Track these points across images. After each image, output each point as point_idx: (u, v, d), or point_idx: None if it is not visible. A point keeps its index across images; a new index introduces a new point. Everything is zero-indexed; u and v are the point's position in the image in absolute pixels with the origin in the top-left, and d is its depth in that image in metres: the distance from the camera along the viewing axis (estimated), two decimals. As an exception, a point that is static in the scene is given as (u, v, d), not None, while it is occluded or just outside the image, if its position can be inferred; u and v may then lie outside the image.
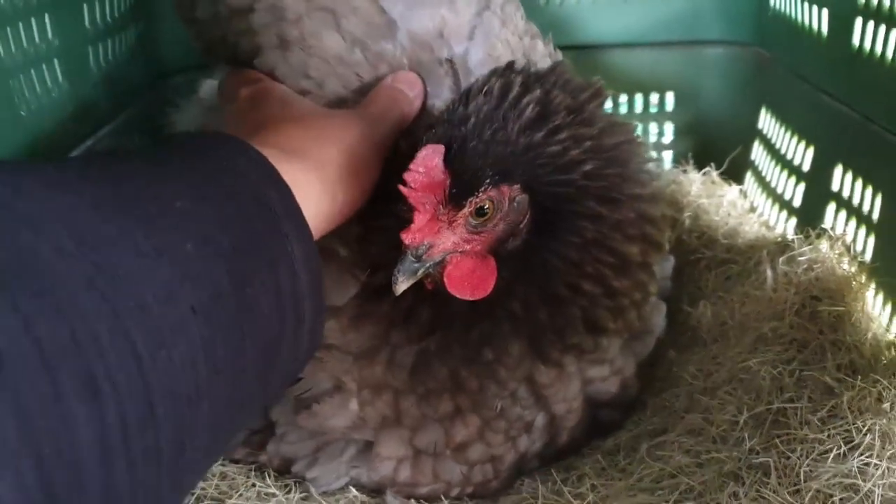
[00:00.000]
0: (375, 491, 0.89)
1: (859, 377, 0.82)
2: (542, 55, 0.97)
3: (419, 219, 0.72)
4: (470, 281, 0.76)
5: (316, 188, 0.69)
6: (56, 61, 0.98)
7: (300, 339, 0.64)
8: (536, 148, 0.73)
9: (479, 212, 0.73)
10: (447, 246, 0.74)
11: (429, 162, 0.70)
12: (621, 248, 0.78)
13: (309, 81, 0.88)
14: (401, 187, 0.70)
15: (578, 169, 0.74)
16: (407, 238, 0.72)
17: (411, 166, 0.70)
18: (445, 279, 0.75)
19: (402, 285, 0.73)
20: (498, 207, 0.73)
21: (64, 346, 0.43)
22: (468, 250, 0.75)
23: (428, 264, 0.74)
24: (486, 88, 0.74)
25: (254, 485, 0.84)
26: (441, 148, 0.70)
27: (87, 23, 1.08)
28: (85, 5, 1.07)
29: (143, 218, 0.52)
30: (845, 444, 0.75)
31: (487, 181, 0.71)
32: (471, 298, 0.76)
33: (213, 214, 0.57)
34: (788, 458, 0.77)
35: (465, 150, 0.70)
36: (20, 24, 0.89)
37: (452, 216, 0.73)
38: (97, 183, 0.52)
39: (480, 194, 0.71)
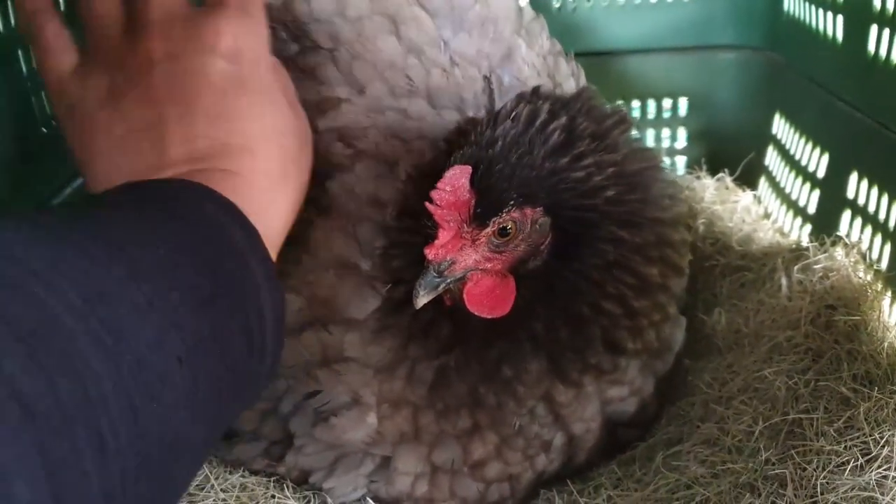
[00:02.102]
0: None
1: (876, 388, 0.82)
2: (566, 74, 1.02)
3: (443, 235, 0.75)
4: (489, 299, 0.78)
5: (263, 203, 0.71)
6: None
7: (264, 371, 0.67)
8: (561, 173, 0.75)
9: (502, 232, 0.75)
10: (469, 263, 0.77)
11: (456, 181, 0.73)
12: (642, 270, 0.80)
13: (346, 89, 0.90)
14: (427, 204, 0.73)
15: (601, 195, 0.76)
16: (430, 253, 0.75)
17: (439, 185, 0.73)
18: (465, 296, 0.78)
19: (422, 299, 0.75)
20: (521, 229, 0.76)
21: (79, 404, 0.45)
22: (489, 269, 0.77)
23: (449, 280, 0.76)
24: (514, 114, 0.77)
25: (273, 496, 0.85)
26: (468, 169, 0.74)
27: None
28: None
29: (133, 268, 0.53)
30: (862, 455, 0.75)
31: (511, 202, 0.74)
32: (489, 316, 0.78)
33: (192, 261, 0.59)
34: (804, 469, 0.77)
35: (492, 171, 0.73)
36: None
37: (475, 234, 0.75)
38: (88, 235, 0.54)
39: (504, 215, 0.74)
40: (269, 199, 0.73)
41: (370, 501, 0.87)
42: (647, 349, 0.86)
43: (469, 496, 0.88)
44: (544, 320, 0.79)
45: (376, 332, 0.83)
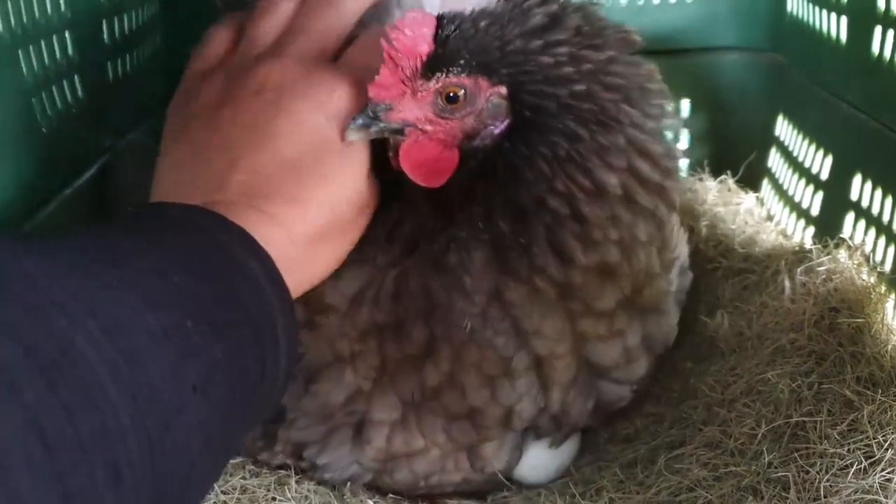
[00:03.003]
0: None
1: (880, 391, 0.81)
2: None
3: (386, 76, 0.73)
4: (428, 166, 0.76)
5: (295, 258, 0.71)
6: (76, 76, 0.99)
7: (275, 395, 0.68)
8: (528, 54, 0.72)
9: (450, 98, 0.73)
10: (408, 116, 0.74)
11: (416, 27, 0.71)
12: (598, 175, 0.73)
13: None
14: (381, 39, 0.71)
15: (567, 87, 0.72)
16: (371, 91, 0.73)
17: (398, 23, 0.71)
18: (401, 154, 0.76)
19: (351, 134, 0.74)
20: (470, 100, 0.73)
21: (97, 436, 0.46)
22: (430, 132, 0.75)
23: (383, 125, 0.74)
24: None
25: (274, 499, 0.85)
26: (433, 19, 0.71)
27: (105, 38, 1.09)
28: (104, 21, 1.08)
29: (149, 297, 0.54)
30: (866, 458, 0.75)
31: (462, 62, 0.71)
32: (423, 184, 0.76)
33: (207, 290, 0.59)
34: (808, 472, 0.77)
35: (455, 29, 0.71)
36: (42, 43, 0.90)
37: (419, 87, 0.73)
38: (105, 263, 0.54)
39: (451, 76, 0.72)
40: (302, 257, 0.72)
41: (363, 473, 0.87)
42: (606, 269, 0.78)
43: (437, 439, 0.85)
44: (483, 204, 0.75)
45: (351, 262, 0.81)
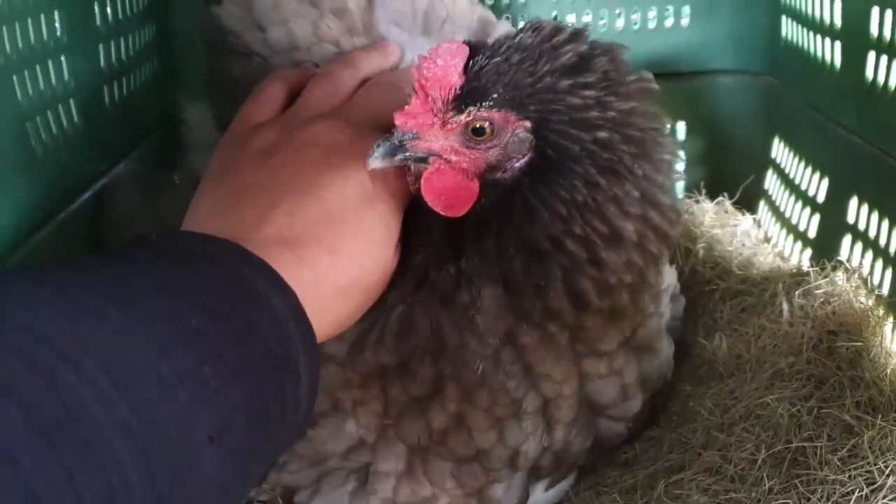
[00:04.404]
0: None
1: (879, 415, 0.81)
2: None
3: (416, 105, 0.72)
4: (448, 195, 0.75)
5: (319, 306, 0.69)
6: (71, 101, 0.99)
7: (295, 433, 0.66)
8: (558, 92, 0.71)
9: (477, 130, 0.72)
10: (434, 146, 0.74)
11: (449, 57, 0.70)
12: (616, 222, 0.74)
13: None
14: (413, 68, 0.71)
15: (592, 132, 0.72)
16: (398, 119, 0.72)
17: (430, 53, 0.71)
18: (423, 182, 0.75)
19: (374, 161, 0.73)
20: (497, 134, 0.72)
21: (101, 499, 0.44)
22: (454, 162, 0.74)
23: (409, 154, 0.73)
24: (537, 26, 0.74)
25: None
26: (466, 49, 0.71)
27: (101, 63, 1.09)
28: (101, 45, 1.09)
29: (164, 343, 0.52)
30: (867, 485, 0.74)
31: (495, 97, 0.71)
32: (443, 213, 0.75)
33: (225, 331, 0.57)
34: (809, 499, 0.75)
35: (488, 62, 0.70)
36: (37, 67, 0.90)
37: (448, 118, 0.72)
38: (116, 303, 0.52)
39: (483, 109, 0.71)
40: (325, 307, 0.70)
41: None
42: (618, 312, 0.79)
43: (445, 484, 0.84)
44: (497, 238, 0.75)
45: None
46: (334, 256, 0.71)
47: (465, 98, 0.71)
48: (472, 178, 0.75)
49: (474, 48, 0.72)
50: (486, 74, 0.70)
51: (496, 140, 0.73)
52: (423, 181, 0.75)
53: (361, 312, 0.77)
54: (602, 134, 0.72)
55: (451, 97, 0.71)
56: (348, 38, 1.00)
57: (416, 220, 0.79)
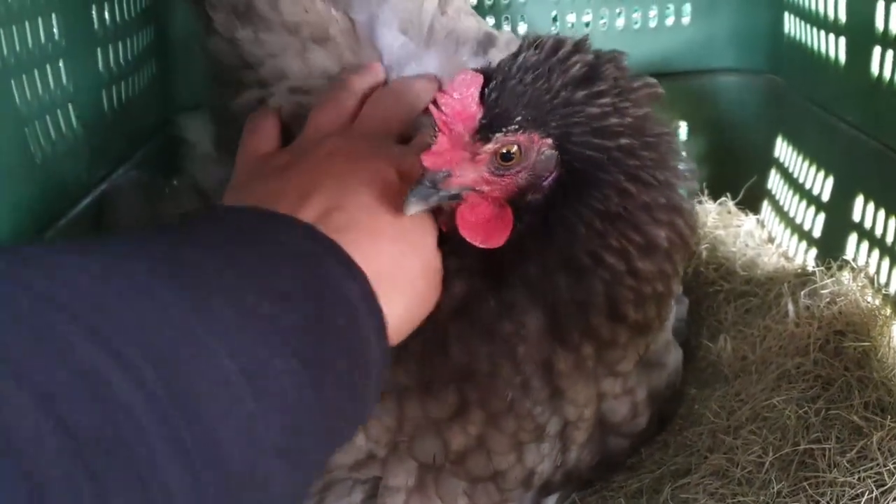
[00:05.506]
0: None
1: (888, 416, 0.80)
2: None
3: (443, 143, 0.71)
4: (485, 227, 0.74)
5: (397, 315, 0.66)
6: (70, 106, 0.99)
7: (355, 429, 0.62)
8: (576, 105, 0.71)
9: (505, 156, 0.71)
10: (466, 181, 0.73)
11: (464, 89, 0.69)
12: (649, 230, 0.74)
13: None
14: (431, 106, 0.70)
15: (615, 139, 0.71)
16: (427, 160, 0.71)
17: (446, 89, 0.70)
18: (458, 219, 0.74)
19: (411, 207, 0.71)
20: (525, 155, 0.71)
21: None
22: (486, 192, 0.73)
23: (442, 193, 0.72)
24: (538, 42, 0.73)
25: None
26: (480, 78, 0.70)
27: (100, 67, 1.08)
28: (99, 50, 1.08)
29: (228, 334, 0.47)
30: (877, 487, 0.73)
31: (519, 120, 0.70)
32: (481, 245, 0.74)
33: (296, 318, 0.52)
34: (818, 502, 0.75)
35: (504, 87, 0.70)
36: (35, 72, 0.89)
37: (477, 149, 0.71)
38: (173, 286, 0.47)
39: (509, 134, 0.70)
40: (382, 293, 0.65)
41: None
42: (647, 324, 0.79)
43: (458, 502, 0.83)
44: (537, 262, 0.74)
45: None
46: (375, 239, 0.69)
47: (489, 126, 0.70)
48: (505, 206, 0.74)
49: (486, 75, 0.71)
50: (506, 99, 0.70)
51: (525, 162, 0.72)
52: (458, 218, 0.74)
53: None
54: (624, 140, 0.72)
55: (475, 128, 0.70)
56: (338, 67, 0.99)
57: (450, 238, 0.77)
